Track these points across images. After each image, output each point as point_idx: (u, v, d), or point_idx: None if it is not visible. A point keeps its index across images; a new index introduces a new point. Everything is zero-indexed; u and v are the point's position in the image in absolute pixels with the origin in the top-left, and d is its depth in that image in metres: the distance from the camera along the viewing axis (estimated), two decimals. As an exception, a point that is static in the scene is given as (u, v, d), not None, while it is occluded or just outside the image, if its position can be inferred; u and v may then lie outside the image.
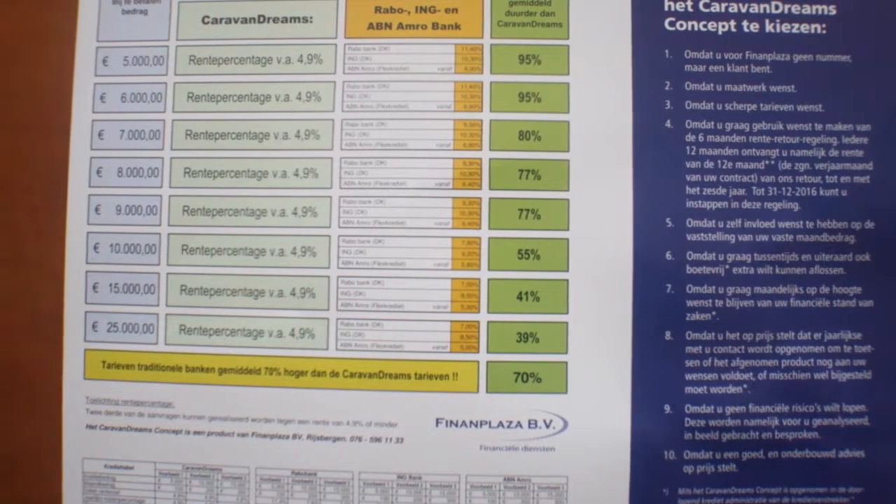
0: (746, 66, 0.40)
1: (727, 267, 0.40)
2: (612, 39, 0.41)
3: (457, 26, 0.41)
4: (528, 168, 0.40)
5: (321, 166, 0.40)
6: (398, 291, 0.40)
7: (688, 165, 0.40)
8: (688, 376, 0.40)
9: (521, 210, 0.40)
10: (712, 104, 0.40)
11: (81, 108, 0.41)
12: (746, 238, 0.40)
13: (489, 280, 0.40)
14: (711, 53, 0.40)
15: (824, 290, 0.40)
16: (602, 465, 0.40)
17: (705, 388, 0.40)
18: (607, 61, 0.40)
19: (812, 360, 0.40)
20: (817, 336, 0.40)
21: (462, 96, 0.41)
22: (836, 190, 0.40)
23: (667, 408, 0.40)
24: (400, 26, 0.41)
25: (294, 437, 0.40)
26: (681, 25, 0.41)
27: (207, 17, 0.41)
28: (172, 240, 0.41)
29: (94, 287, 0.41)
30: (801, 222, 0.40)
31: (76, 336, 0.41)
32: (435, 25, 0.41)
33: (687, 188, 0.40)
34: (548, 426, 0.40)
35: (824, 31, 0.41)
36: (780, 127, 0.40)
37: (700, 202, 0.40)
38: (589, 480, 0.40)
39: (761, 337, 0.40)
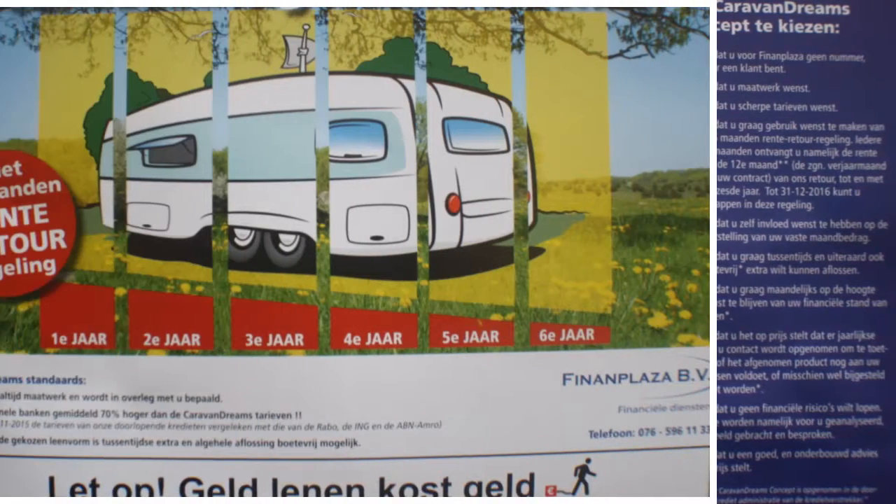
0: (760, 66, 0.40)
1: (740, 267, 0.40)
2: (626, 39, 0.41)
3: None
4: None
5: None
6: None
7: (701, 165, 0.40)
8: (701, 376, 0.40)
9: None
10: (725, 104, 0.40)
11: None
12: (760, 238, 0.40)
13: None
14: (725, 53, 0.40)
15: (837, 290, 0.40)
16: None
17: (719, 387, 0.40)
18: (621, 61, 0.41)
19: (825, 360, 0.40)
20: (830, 336, 0.40)
21: None
22: (850, 190, 0.40)
23: (680, 408, 0.40)
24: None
25: None
26: (694, 25, 0.41)
27: None
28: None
29: None
30: (815, 222, 0.40)
31: None
32: None
33: (700, 188, 0.40)
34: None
35: (837, 31, 0.41)
36: (794, 127, 0.40)
37: (713, 202, 0.40)
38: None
39: (774, 337, 0.40)
